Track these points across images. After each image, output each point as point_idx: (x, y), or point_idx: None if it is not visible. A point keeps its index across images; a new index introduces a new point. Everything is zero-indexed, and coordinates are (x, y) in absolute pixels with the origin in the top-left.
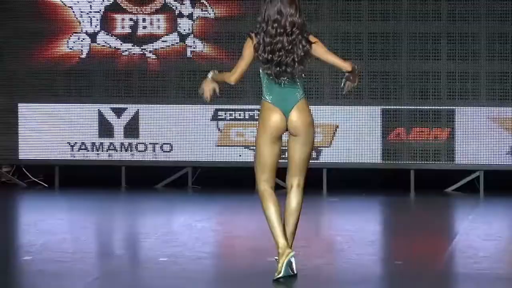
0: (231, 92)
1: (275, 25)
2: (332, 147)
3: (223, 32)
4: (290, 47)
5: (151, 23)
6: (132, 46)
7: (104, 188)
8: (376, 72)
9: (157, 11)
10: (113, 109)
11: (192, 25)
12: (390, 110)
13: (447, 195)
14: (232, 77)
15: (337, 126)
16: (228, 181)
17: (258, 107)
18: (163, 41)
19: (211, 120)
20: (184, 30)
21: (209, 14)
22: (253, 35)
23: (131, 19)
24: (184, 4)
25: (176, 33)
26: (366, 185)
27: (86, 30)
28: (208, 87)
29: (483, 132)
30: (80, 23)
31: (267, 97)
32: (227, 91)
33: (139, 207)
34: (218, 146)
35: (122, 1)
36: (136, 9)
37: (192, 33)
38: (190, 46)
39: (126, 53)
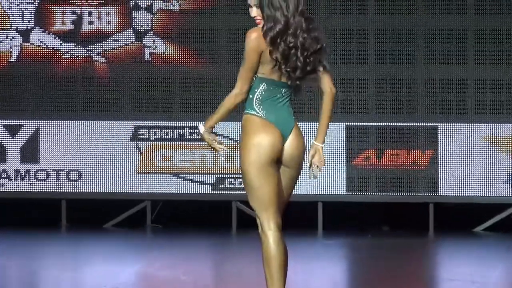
0: (156, 105)
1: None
2: None
3: (190, 29)
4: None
5: (99, 18)
6: (75, 46)
7: (38, 226)
8: (337, 79)
9: (106, 2)
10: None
11: (152, 20)
12: (356, 127)
13: (475, 235)
14: (239, 97)
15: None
16: (197, 218)
17: (189, 123)
18: (114, 41)
19: (130, 140)
20: (141, 26)
21: (173, 6)
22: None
23: (73, 13)
24: None
25: (131, 30)
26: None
27: (17, 27)
28: (213, 145)
29: (473, 155)
30: (8, 18)
31: (258, 112)
32: (151, 103)
33: (83, 251)
34: (139, 173)
35: None
36: (80, 0)
37: (152, 30)
38: (149, 47)
39: (68, 55)
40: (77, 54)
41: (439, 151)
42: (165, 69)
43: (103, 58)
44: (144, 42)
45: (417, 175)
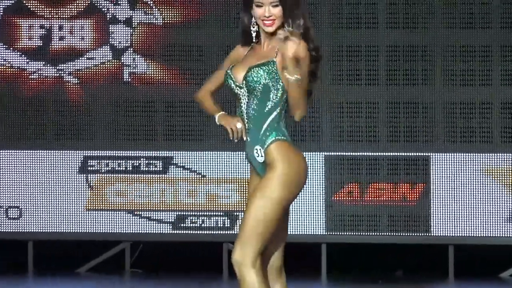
0: (107, 132)
1: None
2: None
3: (176, 44)
4: None
5: (71, 33)
6: (44, 65)
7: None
8: (344, 102)
9: (80, 15)
10: None
11: (131, 35)
12: (337, 157)
13: (501, 281)
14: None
15: None
16: (183, 262)
17: (148, 153)
18: (88, 59)
19: (78, 173)
20: (120, 42)
21: (156, 19)
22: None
23: (42, 27)
24: (119, 4)
25: (107, 47)
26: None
27: None
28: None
29: (471, 190)
30: None
31: (288, 136)
32: (101, 130)
33: None
34: (89, 210)
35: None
36: (50, 12)
37: (131, 46)
38: (129, 66)
39: (35, 75)
40: (46, 75)
41: (431, 185)
42: (146, 91)
43: (75, 79)
44: (123, 61)
45: (406, 212)
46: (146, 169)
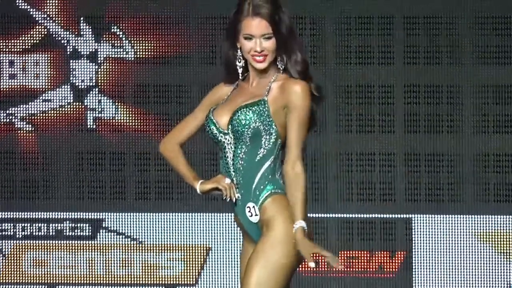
0: (25, 189)
1: None
2: (200, 285)
3: (151, 84)
4: None
5: (23, 69)
6: None
7: None
8: (354, 152)
9: (34, 48)
10: None
11: (97, 72)
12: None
13: None
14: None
15: (209, 249)
16: None
17: (70, 215)
18: (45, 101)
19: None
20: (83, 81)
21: (126, 53)
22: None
23: None
24: (82, 35)
25: (67, 87)
26: None
27: None
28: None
29: (462, 258)
30: None
31: (284, 188)
32: (19, 187)
33: None
34: (0, 284)
35: None
36: None
37: (97, 86)
38: (93, 110)
39: None
40: None
41: (414, 253)
42: (114, 141)
43: (29, 125)
44: (86, 103)
45: (385, 284)
46: (71, 234)
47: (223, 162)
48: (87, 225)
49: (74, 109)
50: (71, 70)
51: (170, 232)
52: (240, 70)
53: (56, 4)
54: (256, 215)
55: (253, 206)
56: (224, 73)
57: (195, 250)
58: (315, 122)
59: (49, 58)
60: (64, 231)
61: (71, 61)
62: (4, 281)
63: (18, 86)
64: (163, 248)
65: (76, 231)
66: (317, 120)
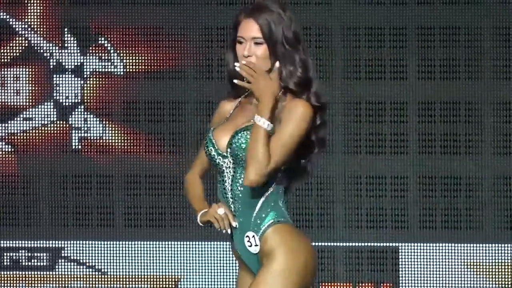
0: (5, 215)
1: None
2: None
3: (142, 101)
4: None
5: (2, 84)
6: None
7: None
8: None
9: (14, 61)
10: None
11: (83, 88)
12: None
13: None
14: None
15: (178, 280)
16: None
17: (29, 243)
18: (25, 119)
19: None
20: (68, 97)
21: (115, 67)
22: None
23: None
24: (67, 47)
25: (50, 104)
26: None
27: None
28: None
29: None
30: None
31: (288, 217)
32: None
33: None
34: None
35: None
36: None
37: (82, 103)
38: (79, 129)
39: None
40: None
41: (401, 284)
42: (102, 163)
43: (9, 146)
44: (71, 122)
45: None
46: (28, 263)
47: (221, 187)
48: (44, 254)
49: (58, 128)
50: (55, 85)
51: (137, 262)
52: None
53: (38, 13)
54: (256, 245)
55: (253, 236)
56: (228, 87)
57: (163, 281)
58: (323, 143)
59: (30, 73)
60: (20, 260)
61: (54, 75)
62: None
63: None
64: (129, 280)
65: (32, 260)
66: (325, 139)
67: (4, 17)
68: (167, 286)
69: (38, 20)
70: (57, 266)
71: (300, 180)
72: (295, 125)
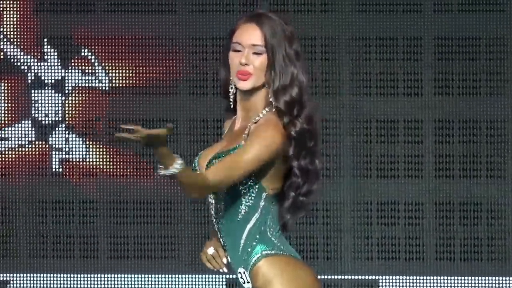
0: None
1: None
2: None
3: (129, 119)
4: None
5: None
6: None
7: None
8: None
9: None
10: None
11: (64, 104)
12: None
13: None
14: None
15: None
16: None
17: (24, 277)
18: (1, 139)
19: None
20: (47, 115)
21: (100, 81)
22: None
23: None
24: (46, 60)
25: (28, 122)
26: None
27: None
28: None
29: None
30: None
31: (281, 247)
32: None
33: None
34: None
35: None
36: None
37: (64, 121)
38: (60, 150)
39: None
40: None
41: None
42: (88, 189)
43: None
44: (51, 143)
45: None
46: None
47: (211, 218)
48: None
49: (37, 150)
50: (33, 102)
51: None
52: (231, 97)
53: (14, 22)
54: (247, 282)
55: (243, 272)
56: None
57: None
58: (307, 173)
59: (6, 88)
60: None
61: (32, 91)
62: None
63: None
64: None
65: None
66: (313, 170)
67: None
68: None
69: (15, 29)
70: None
71: (296, 212)
72: (256, 149)
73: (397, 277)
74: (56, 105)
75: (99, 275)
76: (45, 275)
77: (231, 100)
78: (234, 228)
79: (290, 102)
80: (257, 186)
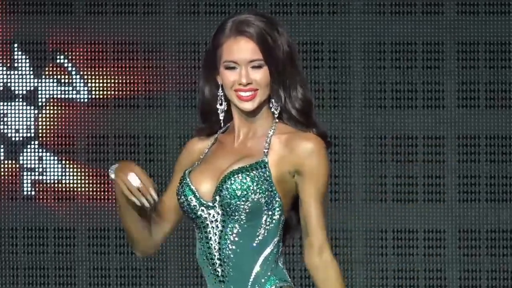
0: None
1: None
2: None
3: (111, 135)
4: None
5: None
6: None
7: None
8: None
9: None
10: None
11: (37, 118)
12: None
13: None
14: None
15: None
16: None
17: None
18: None
19: None
20: (18, 131)
21: (78, 92)
22: None
23: None
24: (17, 68)
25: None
26: None
27: None
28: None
29: None
30: None
31: (288, 278)
32: None
33: None
34: None
35: None
36: None
37: (37, 138)
38: (32, 170)
39: None
40: None
41: None
42: (60, 213)
43: None
44: (22, 161)
45: None
46: None
47: (203, 247)
48: None
49: (6, 170)
50: (2, 116)
51: None
52: (221, 116)
53: None
54: None
55: None
56: (200, 121)
57: None
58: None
59: None
60: None
61: (1, 103)
62: None
63: None
64: None
65: None
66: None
67: None
68: None
69: None
70: None
71: (293, 232)
72: (325, 175)
73: None
74: (28, 119)
75: None
76: None
77: (221, 118)
78: (247, 255)
79: (302, 108)
80: (279, 209)
